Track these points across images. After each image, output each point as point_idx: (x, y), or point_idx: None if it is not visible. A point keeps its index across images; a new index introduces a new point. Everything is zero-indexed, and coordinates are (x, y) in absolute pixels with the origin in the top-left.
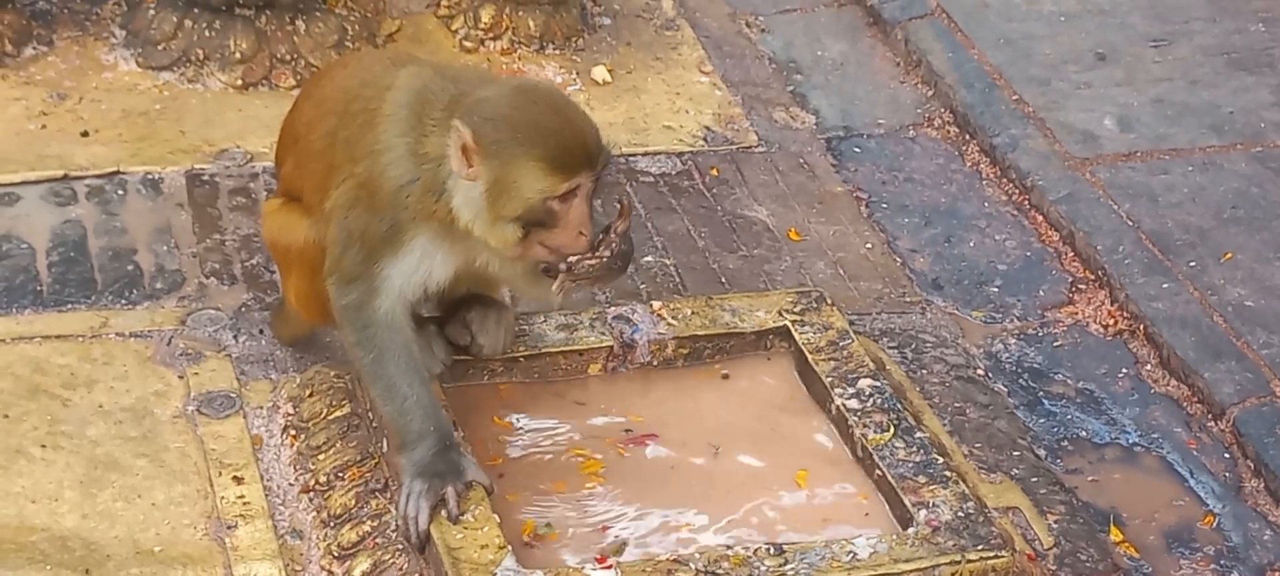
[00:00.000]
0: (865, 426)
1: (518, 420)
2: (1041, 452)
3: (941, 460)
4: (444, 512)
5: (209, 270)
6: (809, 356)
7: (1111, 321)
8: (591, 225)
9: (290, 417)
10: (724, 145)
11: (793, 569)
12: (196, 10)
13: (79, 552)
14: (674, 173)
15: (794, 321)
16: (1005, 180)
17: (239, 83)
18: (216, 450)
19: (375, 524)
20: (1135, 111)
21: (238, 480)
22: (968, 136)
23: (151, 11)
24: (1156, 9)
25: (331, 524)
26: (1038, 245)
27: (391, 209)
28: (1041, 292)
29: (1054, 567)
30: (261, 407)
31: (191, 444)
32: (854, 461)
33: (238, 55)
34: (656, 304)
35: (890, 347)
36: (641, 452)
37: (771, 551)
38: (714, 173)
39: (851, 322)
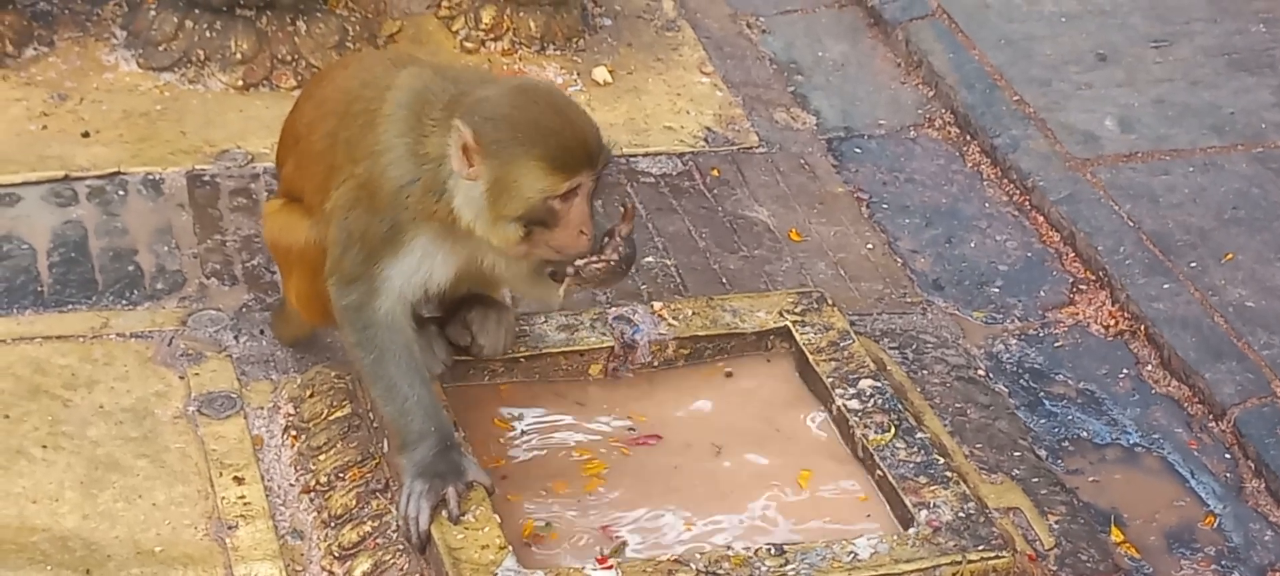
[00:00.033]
0: (866, 426)
1: (518, 420)
2: (1042, 453)
3: (942, 460)
4: (445, 513)
5: (210, 271)
6: (810, 357)
7: (1112, 322)
8: (592, 224)
9: (291, 418)
10: (725, 146)
11: (793, 569)
12: (197, 11)
13: (80, 553)
14: (675, 173)
15: (795, 322)
16: (1006, 181)
17: (240, 83)
18: (217, 450)
19: (376, 524)
20: (1136, 112)
21: (238, 480)
22: (968, 137)
23: (152, 12)
24: (1157, 10)
25: (332, 524)
26: (1038, 246)
27: (392, 209)
28: (1042, 293)
29: (1055, 568)
30: (262, 408)
31: (192, 444)
32: (855, 461)
33: (239, 56)
34: (657, 304)
35: (891, 348)
36: (642, 453)
37: (772, 551)
38: (715, 173)
39: (852, 323)
